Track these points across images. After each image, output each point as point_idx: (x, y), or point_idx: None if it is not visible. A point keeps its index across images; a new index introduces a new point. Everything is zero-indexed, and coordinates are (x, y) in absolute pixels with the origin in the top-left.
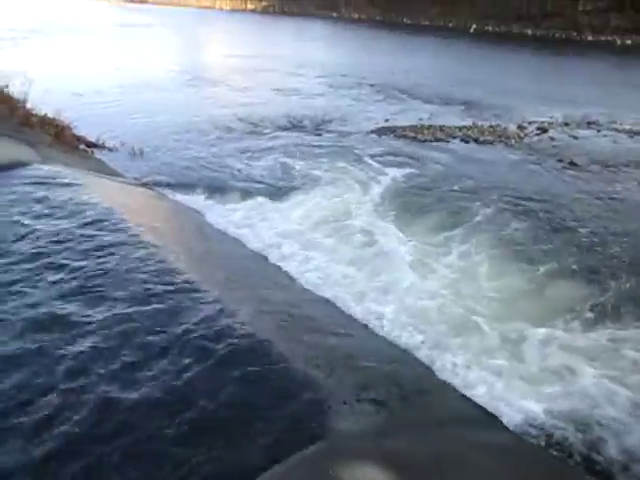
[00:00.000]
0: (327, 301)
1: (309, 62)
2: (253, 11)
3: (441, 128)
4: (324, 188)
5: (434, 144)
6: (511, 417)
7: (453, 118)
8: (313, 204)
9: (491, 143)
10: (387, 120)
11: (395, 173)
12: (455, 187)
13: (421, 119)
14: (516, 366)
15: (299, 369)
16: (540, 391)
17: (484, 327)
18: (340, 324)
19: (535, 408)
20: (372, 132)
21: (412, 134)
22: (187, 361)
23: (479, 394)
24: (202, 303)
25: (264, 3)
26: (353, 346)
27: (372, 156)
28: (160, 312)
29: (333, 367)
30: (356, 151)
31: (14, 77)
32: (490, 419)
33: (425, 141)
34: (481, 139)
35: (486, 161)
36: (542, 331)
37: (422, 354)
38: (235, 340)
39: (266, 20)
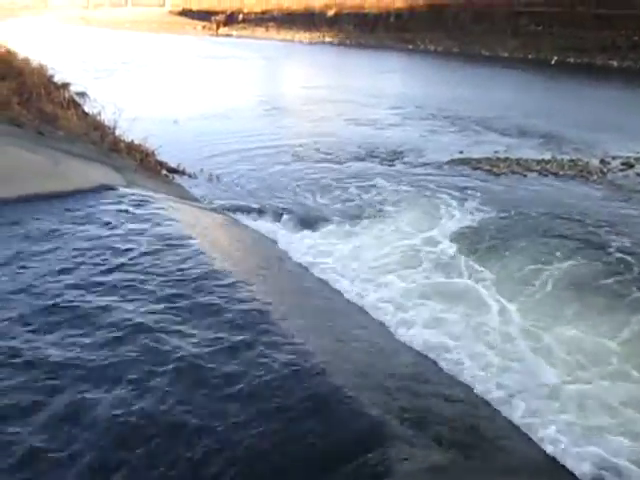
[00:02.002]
0: (417, 353)
1: (383, 93)
2: (330, 43)
3: (518, 161)
4: (398, 220)
5: (510, 177)
6: None
7: (531, 151)
8: (388, 238)
9: (571, 178)
10: (461, 152)
11: (470, 207)
12: (534, 224)
13: (497, 152)
14: None
15: (378, 418)
16: None
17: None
18: (423, 373)
19: None
20: (446, 164)
21: (487, 167)
22: (261, 407)
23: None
24: (281, 340)
25: (341, 35)
26: (430, 392)
27: (446, 188)
28: (236, 349)
29: (409, 410)
30: (429, 183)
31: (107, 105)
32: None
33: (501, 174)
34: (560, 173)
35: (566, 197)
36: None
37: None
38: (312, 386)
39: (342, 52)
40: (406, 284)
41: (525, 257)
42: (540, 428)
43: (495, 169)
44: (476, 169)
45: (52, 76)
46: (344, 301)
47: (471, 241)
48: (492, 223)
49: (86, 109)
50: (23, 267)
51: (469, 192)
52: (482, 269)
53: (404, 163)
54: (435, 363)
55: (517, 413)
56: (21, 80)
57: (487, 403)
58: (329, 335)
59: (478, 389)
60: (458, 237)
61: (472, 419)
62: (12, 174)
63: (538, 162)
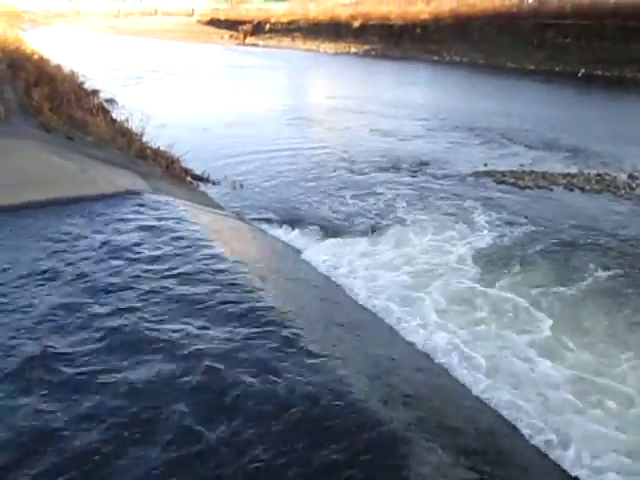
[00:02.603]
0: (439, 365)
1: (408, 104)
2: (355, 54)
3: (544, 175)
4: (420, 234)
5: (536, 191)
6: None
7: (557, 165)
8: (411, 252)
9: (598, 192)
10: (486, 164)
11: (494, 220)
12: (560, 240)
13: (522, 165)
14: None
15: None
16: None
17: None
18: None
19: None
20: (470, 175)
21: (512, 180)
22: (282, 427)
23: None
24: (302, 354)
25: (366, 47)
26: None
27: (469, 200)
28: (256, 362)
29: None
30: (453, 195)
31: (135, 112)
32: None
33: (526, 188)
34: (587, 188)
35: (593, 212)
36: None
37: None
38: (332, 400)
39: (367, 63)
40: (431, 303)
41: (555, 274)
42: None
43: (520, 182)
44: (500, 182)
45: (82, 83)
46: (368, 314)
47: (497, 257)
48: (518, 237)
49: (114, 115)
50: (43, 272)
51: (493, 205)
52: (506, 284)
53: (427, 174)
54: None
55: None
56: (53, 86)
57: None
58: (359, 353)
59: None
60: (483, 254)
61: None
62: (42, 178)
63: (564, 176)
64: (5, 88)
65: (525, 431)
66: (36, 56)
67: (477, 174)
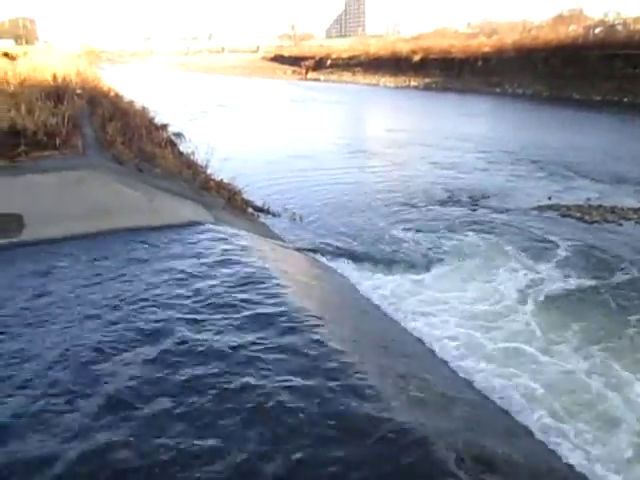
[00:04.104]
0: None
1: (468, 137)
2: (416, 87)
3: (612, 209)
4: (481, 269)
5: (604, 226)
6: None
7: (626, 199)
8: (471, 288)
9: None
10: (550, 198)
11: (559, 257)
12: (633, 277)
13: (589, 199)
14: None
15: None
16: None
17: None
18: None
19: None
20: (533, 209)
21: (578, 214)
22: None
23: None
24: (359, 387)
25: (427, 80)
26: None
27: (533, 236)
28: (310, 392)
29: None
30: (515, 229)
31: (200, 145)
32: None
33: (593, 222)
34: None
35: None
36: None
37: None
38: (383, 428)
39: (428, 96)
40: (488, 351)
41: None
42: None
43: (587, 217)
44: (565, 216)
45: (153, 117)
46: (424, 350)
47: (562, 301)
48: (584, 277)
49: (181, 148)
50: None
51: (558, 241)
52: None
53: (488, 208)
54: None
55: None
56: (126, 121)
57: None
58: (416, 386)
59: None
60: (546, 299)
61: None
62: (114, 208)
63: (635, 210)
64: (84, 123)
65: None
66: (112, 93)
67: (541, 208)
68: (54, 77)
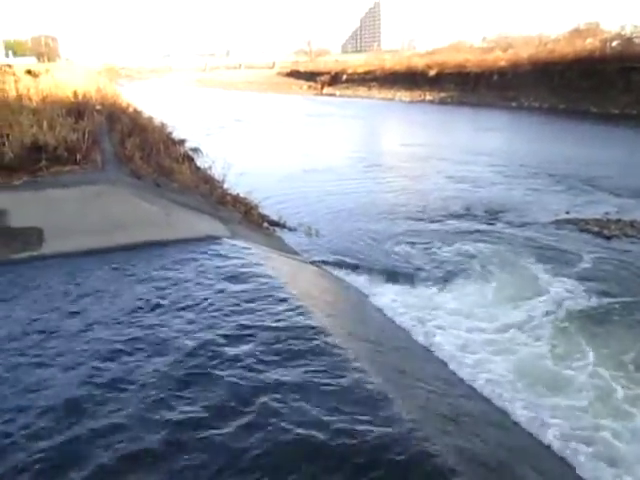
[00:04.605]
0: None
1: (484, 151)
2: (431, 102)
3: (632, 224)
4: (499, 285)
5: (623, 241)
6: None
7: None
8: (489, 304)
9: None
10: (568, 212)
11: (577, 273)
12: None
13: (607, 213)
14: None
15: None
16: None
17: None
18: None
19: None
20: (551, 224)
21: (596, 228)
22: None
23: None
24: (378, 405)
25: (442, 94)
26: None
27: (550, 251)
28: (332, 412)
29: None
30: (533, 244)
31: (217, 160)
32: None
33: (612, 237)
34: None
35: None
36: None
37: None
38: (404, 452)
39: (443, 110)
40: (504, 372)
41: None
42: None
43: (605, 231)
44: (584, 231)
45: (170, 132)
46: (437, 363)
47: (582, 323)
48: (606, 297)
49: (198, 163)
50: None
51: (576, 256)
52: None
53: (505, 222)
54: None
55: None
56: (144, 136)
57: None
58: (433, 404)
59: None
60: (565, 316)
61: None
62: (132, 222)
63: None
64: (103, 138)
65: None
66: (131, 108)
67: (558, 222)
68: (75, 94)
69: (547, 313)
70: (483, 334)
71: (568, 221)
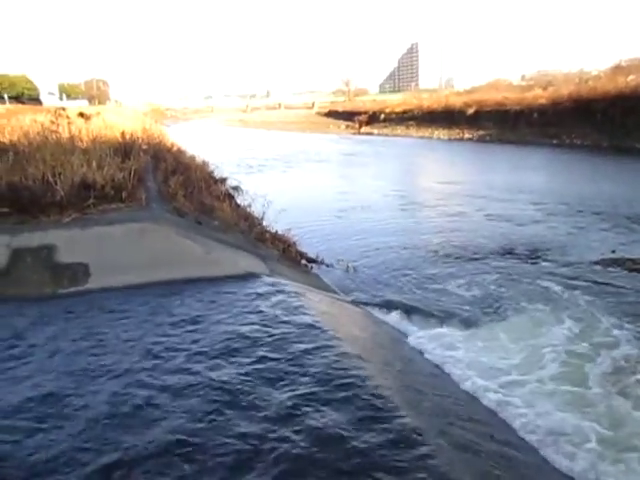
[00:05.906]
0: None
1: (525, 188)
2: (470, 140)
3: None
4: (543, 328)
5: None
6: None
7: None
8: (532, 350)
9: None
10: (614, 251)
11: (629, 319)
12: None
13: None
14: None
15: None
16: None
17: None
18: None
19: None
20: (596, 263)
21: None
22: None
23: None
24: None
25: (480, 132)
26: None
27: (597, 293)
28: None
29: None
30: (577, 285)
31: (256, 198)
32: None
33: None
34: None
35: None
36: None
37: None
38: None
39: (482, 148)
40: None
41: None
42: None
43: None
44: (632, 270)
45: (212, 171)
46: (481, 408)
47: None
48: None
49: (239, 201)
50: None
51: (625, 299)
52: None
53: (548, 261)
54: None
55: None
56: (187, 175)
57: None
58: (473, 450)
59: None
60: (612, 369)
61: None
62: (173, 259)
63: None
64: (148, 177)
65: None
66: (175, 148)
67: (604, 262)
68: (122, 134)
69: (596, 358)
70: (543, 386)
71: (615, 261)
